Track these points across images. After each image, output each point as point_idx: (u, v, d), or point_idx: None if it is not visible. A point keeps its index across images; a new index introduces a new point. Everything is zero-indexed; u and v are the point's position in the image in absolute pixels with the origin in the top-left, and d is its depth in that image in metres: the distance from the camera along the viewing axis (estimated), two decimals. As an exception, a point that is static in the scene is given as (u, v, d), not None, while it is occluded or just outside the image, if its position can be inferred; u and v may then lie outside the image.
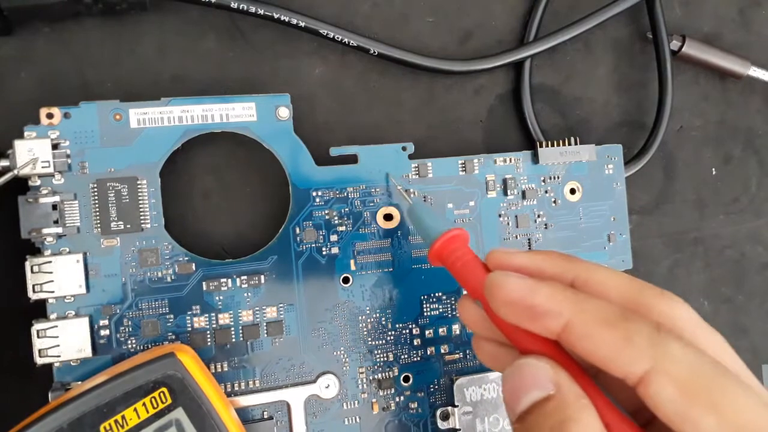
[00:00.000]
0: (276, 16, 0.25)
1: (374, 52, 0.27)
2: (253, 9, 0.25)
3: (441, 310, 0.27)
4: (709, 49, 0.31)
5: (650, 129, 0.31)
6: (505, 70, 0.30)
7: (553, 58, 0.31)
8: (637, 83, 0.32)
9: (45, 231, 0.22)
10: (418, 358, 0.26)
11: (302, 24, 0.26)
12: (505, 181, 0.28)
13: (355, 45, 0.27)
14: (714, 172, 0.32)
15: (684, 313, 0.17)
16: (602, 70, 0.31)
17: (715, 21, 0.33)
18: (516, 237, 0.28)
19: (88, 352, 0.22)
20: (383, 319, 0.26)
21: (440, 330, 0.27)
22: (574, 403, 0.16)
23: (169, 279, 0.24)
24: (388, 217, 0.26)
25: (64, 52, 0.25)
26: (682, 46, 0.31)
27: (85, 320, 0.22)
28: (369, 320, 0.26)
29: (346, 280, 0.26)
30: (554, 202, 0.28)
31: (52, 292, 0.22)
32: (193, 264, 0.24)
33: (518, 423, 0.16)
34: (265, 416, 0.24)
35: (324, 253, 0.25)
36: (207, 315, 0.24)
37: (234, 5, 0.25)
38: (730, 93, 0.33)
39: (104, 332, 0.23)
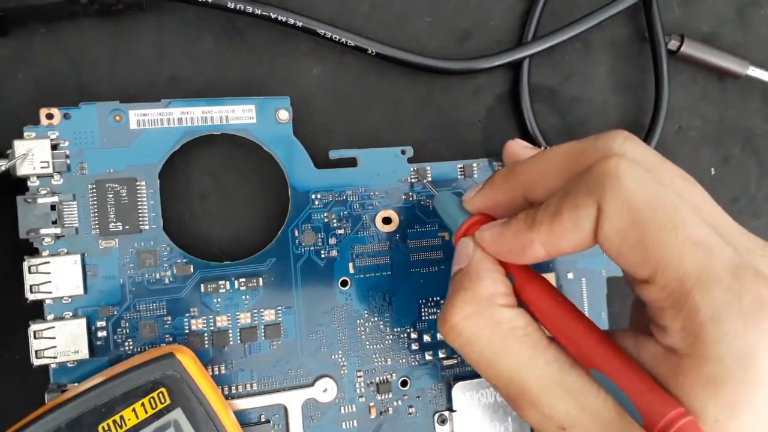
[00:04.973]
0: (273, 16, 0.27)
1: (372, 52, 0.28)
2: (250, 9, 0.26)
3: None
4: (707, 48, 0.33)
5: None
6: (503, 70, 0.32)
7: (551, 58, 0.32)
8: (636, 83, 0.33)
9: (43, 231, 0.23)
10: (416, 363, 0.28)
11: (300, 24, 0.27)
12: (503, 184, 0.29)
13: (353, 45, 0.28)
14: (713, 172, 0.34)
15: (615, 160, 0.20)
16: (601, 70, 0.33)
17: (713, 21, 0.34)
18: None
19: (85, 354, 0.24)
20: (381, 322, 0.27)
21: (438, 334, 0.28)
22: (473, 274, 0.22)
23: (167, 281, 0.25)
24: (386, 221, 0.28)
25: (60, 53, 0.26)
26: (680, 46, 0.33)
27: (83, 321, 0.24)
28: (367, 324, 0.27)
29: (344, 284, 0.27)
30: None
31: (50, 292, 0.23)
32: (192, 266, 0.25)
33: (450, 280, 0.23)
34: (263, 419, 0.26)
35: (323, 255, 0.27)
36: (205, 317, 0.25)
37: (231, 5, 0.26)
38: (729, 93, 0.34)
39: (101, 333, 0.24)
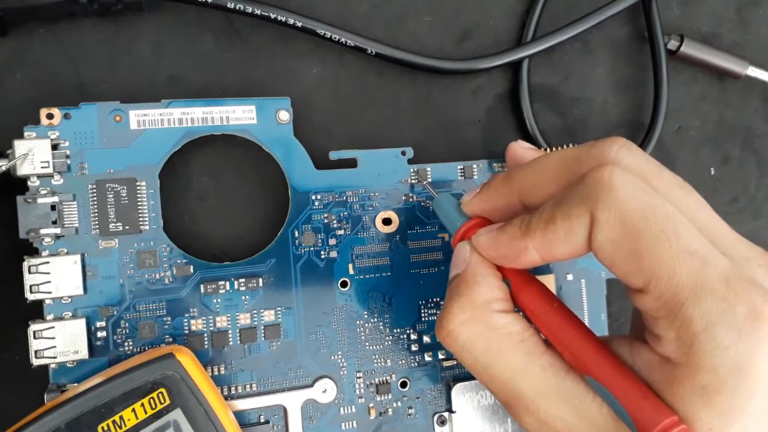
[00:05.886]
0: (273, 16, 0.27)
1: (372, 52, 0.29)
2: (249, 9, 0.27)
3: (439, 314, 0.29)
4: (707, 48, 0.33)
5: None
6: (503, 70, 0.32)
7: (551, 58, 0.33)
8: (635, 83, 0.34)
9: (43, 231, 0.24)
10: (416, 364, 0.28)
11: (299, 24, 0.28)
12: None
13: (353, 45, 0.29)
14: (713, 173, 0.35)
15: (609, 169, 0.20)
16: (600, 70, 0.34)
17: (713, 21, 0.35)
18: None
19: (84, 354, 0.24)
20: (381, 323, 0.28)
21: (438, 335, 0.29)
22: (469, 279, 0.23)
23: (167, 281, 0.26)
24: (386, 222, 0.28)
25: (59, 53, 0.27)
26: (680, 46, 0.33)
27: (82, 321, 0.24)
28: (367, 325, 0.28)
29: (344, 284, 0.28)
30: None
31: (50, 292, 0.24)
32: (191, 266, 0.26)
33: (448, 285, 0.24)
34: (262, 420, 0.26)
35: (322, 256, 0.27)
36: (204, 318, 0.26)
37: (230, 5, 0.27)
38: (729, 93, 0.35)
39: (101, 334, 0.25)
